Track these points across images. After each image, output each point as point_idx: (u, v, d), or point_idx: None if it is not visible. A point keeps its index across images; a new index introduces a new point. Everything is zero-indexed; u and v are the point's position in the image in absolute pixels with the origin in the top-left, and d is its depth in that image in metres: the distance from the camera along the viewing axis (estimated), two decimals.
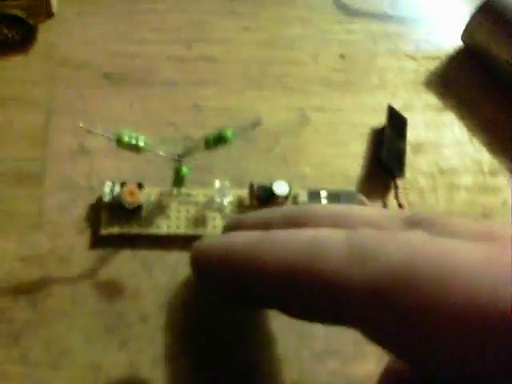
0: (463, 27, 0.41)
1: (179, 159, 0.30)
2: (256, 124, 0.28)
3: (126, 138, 0.28)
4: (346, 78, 0.39)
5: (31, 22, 0.37)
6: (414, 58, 0.41)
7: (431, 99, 0.39)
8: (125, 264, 0.31)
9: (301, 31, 0.41)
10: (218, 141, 0.28)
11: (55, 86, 0.37)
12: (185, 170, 0.31)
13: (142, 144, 0.28)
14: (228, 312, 0.31)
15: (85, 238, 0.32)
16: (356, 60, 0.40)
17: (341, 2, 0.43)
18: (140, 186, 0.32)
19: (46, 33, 0.39)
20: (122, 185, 0.32)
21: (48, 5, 0.37)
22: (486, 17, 0.39)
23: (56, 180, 0.34)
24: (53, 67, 0.38)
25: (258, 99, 0.38)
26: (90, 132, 0.28)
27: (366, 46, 0.41)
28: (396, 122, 0.37)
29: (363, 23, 0.42)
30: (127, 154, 0.29)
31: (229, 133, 0.28)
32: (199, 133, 0.31)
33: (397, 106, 0.37)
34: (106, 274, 0.31)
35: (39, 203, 0.33)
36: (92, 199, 0.33)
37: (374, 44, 0.41)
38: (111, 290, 0.31)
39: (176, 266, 0.31)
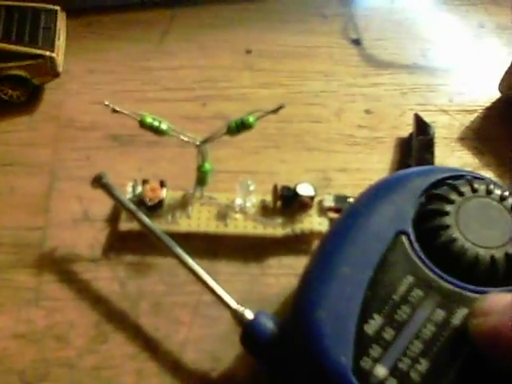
0: (501, 76, 0.40)
1: (201, 144, 0.31)
2: (279, 109, 0.30)
3: (148, 120, 0.30)
4: (371, 135, 0.39)
5: (36, 82, 0.38)
6: (446, 112, 0.40)
7: (467, 157, 0.38)
8: (125, 344, 0.30)
9: (323, 86, 0.41)
10: (240, 127, 0.30)
11: (60, 149, 0.37)
12: (207, 165, 0.32)
13: (164, 127, 0.30)
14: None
15: (85, 316, 0.31)
16: (383, 115, 0.40)
17: (367, 53, 0.43)
18: (162, 184, 0.34)
19: (52, 92, 0.40)
20: (144, 182, 0.34)
21: (53, 65, 0.37)
22: None
23: (57, 251, 0.33)
24: (58, 128, 0.38)
25: (276, 160, 0.38)
26: (114, 111, 0.30)
27: (394, 100, 0.41)
28: (423, 133, 0.37)
29: (391, 75, 0.42)
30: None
31: (251, 119, 0.30)
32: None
33: None
34: (105, 354, 0.30)
35: (38, 276, 0.32)
36: (95, 271, 0.33)
37: (402, 97, 0.41)
38: (111, 373, 0.30)
39: (183, 345, 0.30)
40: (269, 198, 0.34)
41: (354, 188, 0.36)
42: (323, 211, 0.34)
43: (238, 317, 0.28)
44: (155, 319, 0.31)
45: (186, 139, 0.31)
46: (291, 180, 0.34)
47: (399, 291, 0.25)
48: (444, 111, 0.40)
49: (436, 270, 0.25)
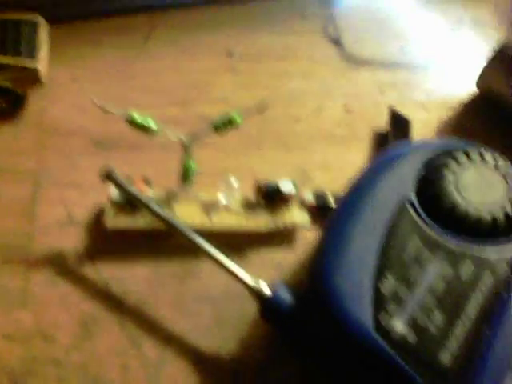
0: (478, 72, 0.41)
1: (188, 144, 0.34)
2: (262, 108, 0.33)
3: (137, 119, 0.33)
4: (351, 132, 0.41)
5: (19, 91, 0.40)
6: (424, 108, 0.42)
7: None
8: (111, 340, 0.32)
9: (303, 85, 0.43)
10: (226, 124, 0.33)
11: (44, 155, 0.39)
12: (192, 164, 0.35)
13: (153, 125, 0.33)
14: None
15: (71, 315, 0.33)
16: (362, 113, 0.42)
17: (346, 52, 0.45)
18: (146, 182, 0.35)
19: (36, 99, 0.41)
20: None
21: (37, 76, 0.39)
22: (502, 61, 0.40)
23: (43, 254, 0.35)
24: (42, 135, 0.40)
25: (256, 159, 0.39)
26: (103, 110, 0.33)
27: (372, 98, 0.42)
28: (399, 126, 0.39)
29: (370, 73, 0.44)
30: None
31: (236, 116, 0.33)
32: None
33: None
34: (92, 351, 0.32)
35: (25, 278, 0.34)
36: (80, 272, 0.34)
37: (381, 94, 0.42)
38: (98, 369, 0.31)
39: (168, 340, 0.32)
40: (251, 196, 0.36)
41: (333, 185, 0.38)
42: (304, 206, 0.36)
43: (255, 292, 0.30)
44: (139, 316, 0.33)
45: (174, 138, 0.34)
46: (271, 176, 0.36)
47: (409, 252, 0.27)
48: (422, 107, 0.42)
49: (441, 231, 0.28)
